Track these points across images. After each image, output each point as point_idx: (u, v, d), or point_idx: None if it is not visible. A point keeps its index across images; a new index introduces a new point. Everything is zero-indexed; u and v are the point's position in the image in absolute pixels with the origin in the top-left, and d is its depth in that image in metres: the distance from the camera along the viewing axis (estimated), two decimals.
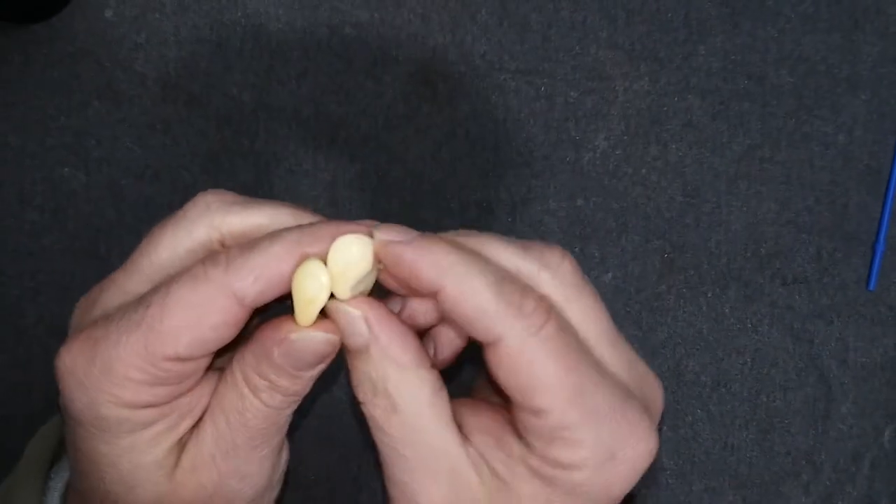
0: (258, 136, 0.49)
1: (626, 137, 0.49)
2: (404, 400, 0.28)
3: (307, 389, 0.29)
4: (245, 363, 0.28)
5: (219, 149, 0.48)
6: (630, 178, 0.49)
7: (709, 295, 0.49)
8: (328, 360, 0.29)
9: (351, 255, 0.27)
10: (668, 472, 0.48)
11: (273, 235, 0.27)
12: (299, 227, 0.28)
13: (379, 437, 0.29)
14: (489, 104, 0.49)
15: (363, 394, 0.29)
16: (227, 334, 0.27)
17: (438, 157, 0.49)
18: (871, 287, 0.49)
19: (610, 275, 0.49)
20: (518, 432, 0.29)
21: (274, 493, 0.32)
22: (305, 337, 0.28)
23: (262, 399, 0.28)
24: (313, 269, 0.27)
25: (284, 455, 0.32)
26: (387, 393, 0.28)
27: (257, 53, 0.49)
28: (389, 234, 0.27)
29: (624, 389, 0.29)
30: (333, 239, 0.27)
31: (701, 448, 0.49)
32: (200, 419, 0.29)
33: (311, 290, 0.27)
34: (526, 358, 0.27)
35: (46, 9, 0.48)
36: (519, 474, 0.28)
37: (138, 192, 0.48)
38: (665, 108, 0.49)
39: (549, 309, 0.27)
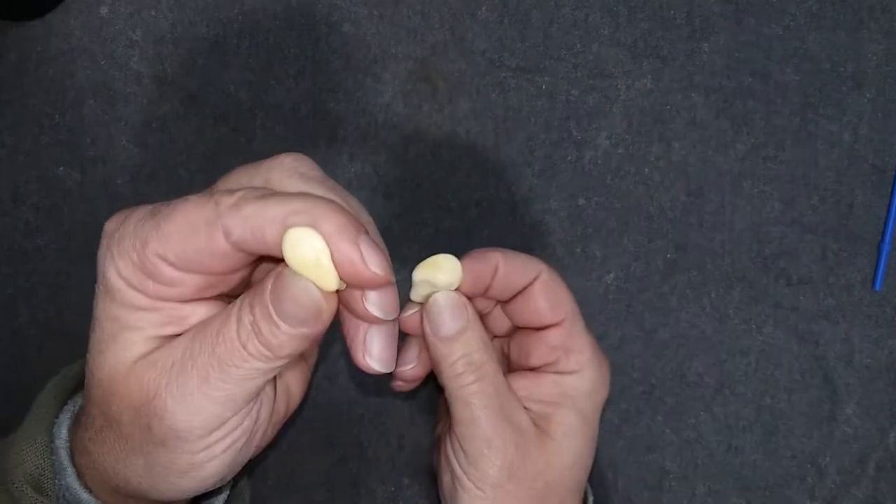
0: (256, 134, 0.48)
1: (628, 136, 0.49)
2: (489, 367, 0.37)
3: (277, 365, 0.31)
4: (243, 297, 0.31)
5: (216, 147, 0.48)
6: (632, 178, 0.49)
7: (712, 295, 0.48)
8: (309, 336, 0.31)
9: (452, 275, 0.36)
10: (672, 475, 0.48)
11: (279, 199, 0.29)
12: (302, 199, 0.29)
13: (464, 401, 0.37)
14: (490, 102, 0.49)
15: (459, 368, 0.37)
16: (209, 263, 0.30)
17: (438, 157, 0.48)
18: (877, 287, 0.49)
19: (612, 275, 0.48)
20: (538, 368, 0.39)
21: (246, 454, 0.34)
22: (296, 279, 0.30)
23: (240, 339, 0.30)
24: (302, 236, 0.29)
25: (258, 436, 0.34)
26: (478, 364, 0.37)
27: (254, 51, 0.48)
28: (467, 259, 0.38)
29: None
30: (324, 231, 0.29)
31: (705, 450, 0.48)
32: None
33: (308, 255, 0.29)
34: (556, 284, 0.39)
35: (41, 6, 0.48)
36: (546, 406, 0.38)
37: (134, 191, 0.48)
38: (668, 107, 0.49)
39: None
